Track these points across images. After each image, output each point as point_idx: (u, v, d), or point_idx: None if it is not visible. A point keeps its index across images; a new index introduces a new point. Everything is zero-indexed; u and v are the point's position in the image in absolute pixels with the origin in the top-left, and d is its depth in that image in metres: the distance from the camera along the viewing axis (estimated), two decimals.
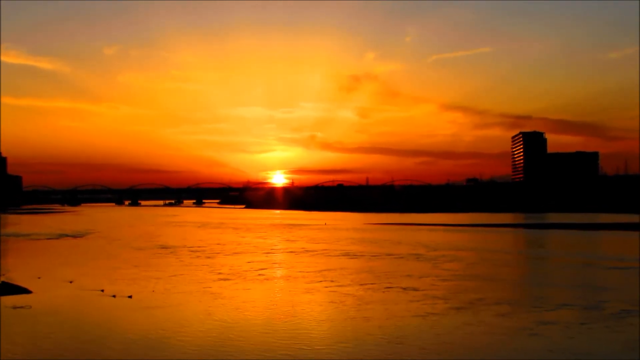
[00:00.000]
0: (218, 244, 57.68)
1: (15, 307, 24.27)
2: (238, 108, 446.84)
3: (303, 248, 52.62)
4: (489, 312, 23.22)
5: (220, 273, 35.08)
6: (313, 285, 30.31)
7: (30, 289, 28.50)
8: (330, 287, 29.75)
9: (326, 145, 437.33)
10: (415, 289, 28.66)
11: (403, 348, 18.21)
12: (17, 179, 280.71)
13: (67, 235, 70.30)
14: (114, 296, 26.84)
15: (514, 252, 50.37)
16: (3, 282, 29.88)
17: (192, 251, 49.21)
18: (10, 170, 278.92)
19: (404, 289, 28.92)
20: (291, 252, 49.72)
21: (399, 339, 19.17)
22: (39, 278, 32.30)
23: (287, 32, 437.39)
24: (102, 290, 28.31)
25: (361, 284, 30.44)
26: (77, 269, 37.12)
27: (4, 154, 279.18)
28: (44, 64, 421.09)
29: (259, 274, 34.70)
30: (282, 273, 35.82)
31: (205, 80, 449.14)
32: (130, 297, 26.65)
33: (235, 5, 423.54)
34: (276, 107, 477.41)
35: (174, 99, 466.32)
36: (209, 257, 44.34)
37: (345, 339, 19.37)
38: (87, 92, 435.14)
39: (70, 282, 31.06)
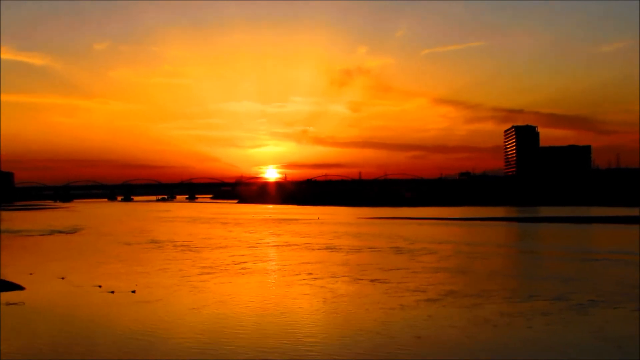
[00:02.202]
0: (205, 238, 59.10)
1: (8, 304, 24.48)
2: (229, 103, 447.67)
3: (287, 242, 54.18)
4: (456, 305, 24.01)
5: (203, 267, 36.38)
6: (290, 279, 31.70)
7: (23, 285, 29.00)
8: (307, 279, 31.14)
9: (318, 140, 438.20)
10: (386, 282, 29.91)
11: (364, 340, 19.12)
12: (9, 175, 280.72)
13: (59, 232, 71.45)
14: (113, 292, 27.36)
15: (500, 245, 51.25)
16: None
17: (179, 246, 50.56)
18: (2, 166, 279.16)
19: (375, 281, 30.22)
20: (275, 246, 51.31)
21: (363, 331, 20.12)
22: (31, 274, 33.06)
23: (278, 26, 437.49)
24: (100, 286, 28.81)
25: (336, 277, 31.77)
26: (68, 264, 38.06)
27: None
28: (35, 59, 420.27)
29: (242, 268, 36.05)
30: (262, 267, 37.06)
31: (196, 75, 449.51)
32: (134, 292, 27.37)
33: (226, 0, 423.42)
34: (268, 102, 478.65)
35: (165, 94, 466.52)
36: (194, 252, 45.71)
37: (308, 332, 20.50)
38: (78, 88, 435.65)
39: (62, 278, 31.75)
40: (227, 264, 37.95)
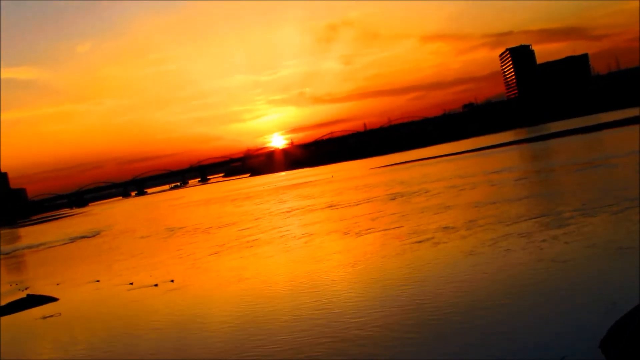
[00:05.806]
0: (215, 218, 61.21)
1: (45, 317, 24.44)
2: (221, 79, 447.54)
3: (291, 207, 56.62)
4: (443, 239, 25.02)
5: (214, 246, 37.79)
6: (291, 244, 33.21)
7: (55, 296, 29.03)
8: (308, 241, 32.65)
9: (317, 99, 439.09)
10: (379, 230, 31.48)
11: (397, 293, 18.98)
12: (22, 192, 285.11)
13: (79, 237, 72.90)
14: (156, 285, 27.00)
15: (503, 170, 52.04)
16: (28, 294, 30.16)
17: (191, 230, 52.22)
18: (13, 184, 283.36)
19: (371, 231, 31.71)
20: (279, 213, 53.08)
21: (390, 283, 19.81)
22: (57, 284, 33.24)
23: None
24: (132, 284, 28.78)
25: (335, 234, 33.41)
26: (94, 268, 38.30)
27: (2, 170, 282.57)
28: (22, 74, 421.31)
29: (249, 241, 37.16)
30: (267, 237, 37.68)
31: (183, 59, 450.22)
32: (172, 281, 27.26)
33: None
34: (259, 71, 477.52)
35: (156, 83, 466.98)
36: (205, 233, 47.38)
37: (337, 295, 21.61)
38: (70, 94, 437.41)
39: (97, 281, 31.88)
40: (236, 239, 39.51)
